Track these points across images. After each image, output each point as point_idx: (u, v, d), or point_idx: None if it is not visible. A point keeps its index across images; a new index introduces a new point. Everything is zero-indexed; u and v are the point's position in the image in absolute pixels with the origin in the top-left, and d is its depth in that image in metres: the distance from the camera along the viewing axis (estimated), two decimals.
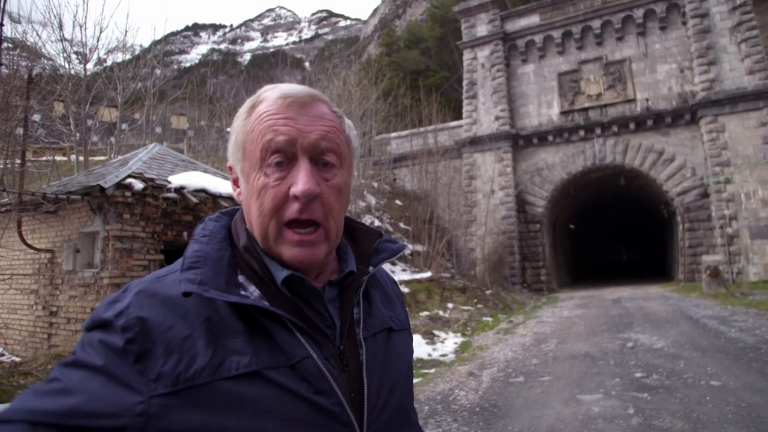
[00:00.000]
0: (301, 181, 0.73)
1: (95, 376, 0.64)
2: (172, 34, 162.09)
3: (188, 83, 19.83)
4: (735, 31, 18.09)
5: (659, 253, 28.00)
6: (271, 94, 0.78)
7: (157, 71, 20.28)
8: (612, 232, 38.46)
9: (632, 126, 19.47)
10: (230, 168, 0.84)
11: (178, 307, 0.69)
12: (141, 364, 0.65)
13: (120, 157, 10.41)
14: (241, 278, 0.75)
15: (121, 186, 6.60)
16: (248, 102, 0.80)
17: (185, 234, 7.28)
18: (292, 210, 0.73)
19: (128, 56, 18.67)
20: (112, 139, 21.07)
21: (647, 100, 19.53)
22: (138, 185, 6.74)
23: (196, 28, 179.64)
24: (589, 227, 31.23)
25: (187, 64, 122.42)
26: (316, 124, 0.77)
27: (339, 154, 0.79)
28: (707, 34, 18.45)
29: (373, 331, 0.83)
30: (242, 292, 0.73)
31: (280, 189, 0.74)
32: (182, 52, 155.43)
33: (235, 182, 0.83)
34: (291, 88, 0.79)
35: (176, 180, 7.26)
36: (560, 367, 6.95)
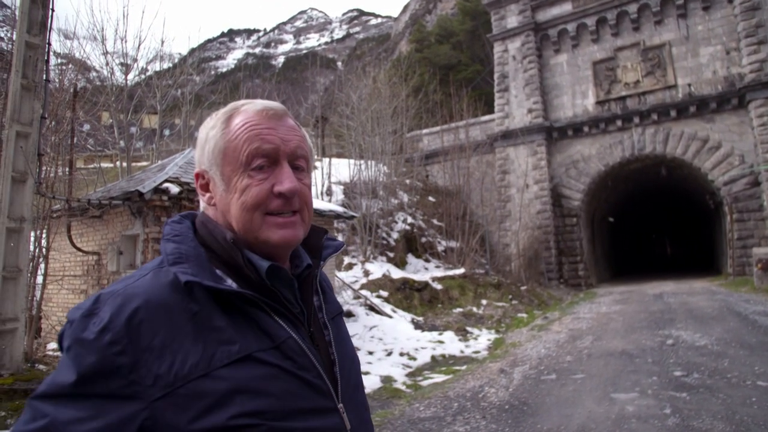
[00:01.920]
0: (286, 180, 0.84)
1: (94, 402, 0.68)
2: (209, 41, 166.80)
3: (223, 88, 20.41)
4: None
5: (705, 245, 26.71)
6: (250, 107, 0.88)
7: (195, 78, 20.96)
8: (654, 224, 36.93)
9: (673, 113, 18.63)
10: (199, 174, 0.90)
11: (162, 307, 0.73)
12: (135, 374, 0.69)
13: (159, 163, 10.86)
14: (218, 272, 0.81)
15: (158, 190, 6.90)
16: (222, 114, 0.89)
17: None
18: (276, 204, 0.84)
19: (166, 65, 19.42)
20: (154, 145, 21.94)
21: (689, 85, 18.63)
22: (174, 189, 7.03)
23: (231, 34, 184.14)
24: (630, 220, 30.12)
25: (224, 70, 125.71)
26: (292, 134, 0.88)
27: (307, 160, 0.91)
28: (756, 12, 17.38)
29: (331, 315, 0.96)
30: (225, 284, 0.80)
31: (263, 187, 0.83)
32: (218, 58, 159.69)
33: (205, 187, 0.89)
34: (269, 102, 0.90)
35: None
36: (595, 364, 6.79)
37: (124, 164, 16.23)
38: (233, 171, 0.84)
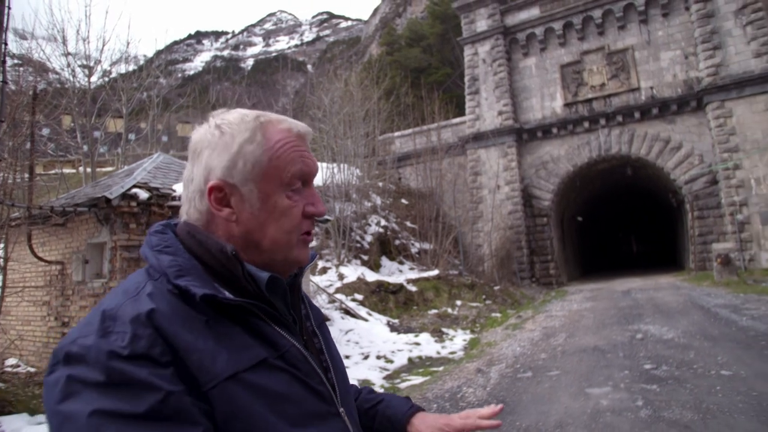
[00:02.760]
0: (319, 203, 0.88)
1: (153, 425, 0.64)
2: (175, 43, 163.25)
3: (191, 91, 19.97)
4: (740, 14, 17.84)
5: (669, 242, 27.72)
6: (285, 125, 0.87)
7: (162, 80, 20.47)
8: (621, 223, 38.12)
9: (637, 115, 19.29)
10: (218, 187, 0.82)
11: (176, 314, 0.72)
12: (180, 370, 0.68)
13: (125, 168, 10.54)
14: (216, 284, 0.79)
15: (126, 196, 6.69)
16: (255, 125, 0.85)
17: None
18: (307, 225, 0.87)
19: (132, 67, 18.88)
20: (119, 150, 21.31)
21: (652, 88, 19.33)
22: (143, 195, 6.83)
23: (198, 36, 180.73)
24: (598, 219, 30.98)
25: (191, 72, 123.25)
26: (312, 156, 0.90)
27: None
28: (711, 19, 18.21)
29: (317, 323, 0.97)
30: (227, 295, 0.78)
31: (299, 209, 0.85)
32: (186, 60, 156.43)
33: (222, 201, 0.82)
34: (299, 123, 0.90)
35: (180, 188, 7.34)
36: (569, 361, 6.93)
37: (88, 170, 15.69)
38: (273, 189, 0.83)
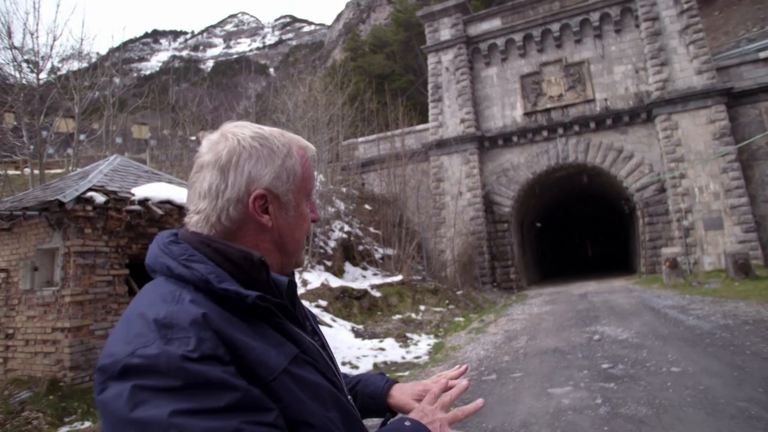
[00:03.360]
0: (316, 211, 1.00)
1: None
2: (131, 41, 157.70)
3: (149, 92, 19.31)
4: (683, 33, 19.01)
5: (622, 247, 28.97)
6: (303, 143, 0.99)
7: (116, 80, 19.70)
8: (577, 228, 39.55)
9: (592, 125, 20.14)
10: (263, 195, 0.89)
11: (222, 316, 0.77)
12: (238, 366, 0.73)
13: (79, 170, 10.06)
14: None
15: (81, 200, 6.39)
16: (295, 144, 0.96)
17: None
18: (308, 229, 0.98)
19: (85, 65, 18.06)
20: (70, 151, 20.33)
21: (606, 100, 20.24)
22: (99, 198, 6.55)
23: (155, 35, 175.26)
24: (555, 225, 32.05)
25: (148, 72, 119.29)
26: None
27: None
28: (659, 37, 19.31)
29: (314, 321, 1.04)
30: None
31: (309, 216, 0.98)
32: (142, 59, 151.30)
33: (263, 208, 0.89)
34: (308, 143, 1.03)
35: (140, 192, 7.09)
36: (531, 362, 7.12)
37: (35, 171, 14.88)
38: (302, 199, 0.95)
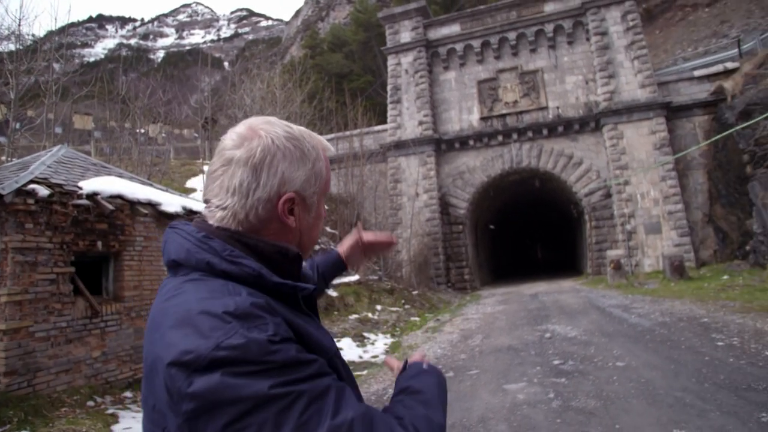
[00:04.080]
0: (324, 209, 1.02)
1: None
2: (73, 24, 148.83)
3: (96, 80, 18.29)
4: (629, 49, 20.14)
5: (571, 249, 30.26)
6: (325, 144, 1.01)
7: (56, 65, 18.52)
8: (529, 230, 40.94)
9: (545, 132, 20.93)
10: (292, 198, 0.90)
11: (279, 306, 0.82)
12: (306, 346, 0.79)
13: (17, 161, 9.41)
14: None
15: (21, 192, 5.98)
16: (322, 147, 0.99)
17: (99, 244, 6.75)
18: None
19: (21, 47, 16.83)
20: (3, 139, 18.95)
21: (558, 108, 21.10)
22: (43, 191, 6.15)
23: (101, 20, 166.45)
24: (508, 227, 33.05)
25: (92, 59, 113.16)
26: None
27: None
28: (607, 50, 20.35)
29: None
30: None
31: (324, 214, 1.02)
32: (85, 45, 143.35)
33: (290, 210, 0.91)
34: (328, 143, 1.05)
35: (88, 185, 6.72)
36: (486, 360, 7.33)
37: None
38: (322, 200, 0.98)
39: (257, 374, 0.69)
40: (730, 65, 19.18)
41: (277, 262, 0.87)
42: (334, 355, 0.86)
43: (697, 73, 20.05)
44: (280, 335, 0.73)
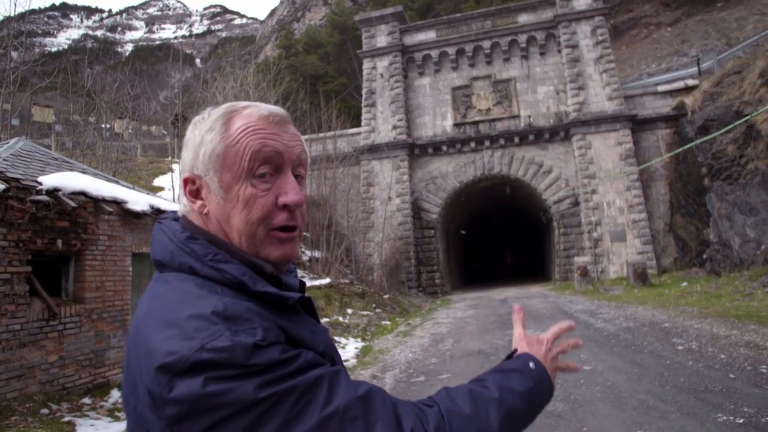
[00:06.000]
0: (292, 191, 0.82)
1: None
2: (34, 12, 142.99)
3: (59, 71, 17.55)
4: (598, 62, 20.79)
5: (539, 255, 30.89)
6: (254, 111, 0.84)
7: (14, 53, 17.72)
8: (499, 236, 41.56)
9: (516, 140, 21.34)
10: (190, 179, 0.84)
11: (264, 312, 0.76)
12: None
13: None
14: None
15: None
16: (219, 116, 0.84)
17: (59, 242, 6.45)
18: (281, 218, 0.82)
19: None
20: None
21: (529, 117, 21.56)
22: None
23: (65, 9, 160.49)
24: (479, 232, 33.48)
25: (54, 49, 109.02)
26: (295, 141, 0.87)
27: (306, 168, 0.90)
28: (577, 63, 20.94)
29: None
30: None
31: (268, 199, 0.81)
32: (47, 34, 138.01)
33: (195, 193, 0.84)
34: (273, 107, 0.87)
35: (49, 181, 6.42)
36: (457, 364, 7.36)
37: None
38: (234, 178, 0.80)
39: (241, 377, 0.65)
40: (690, 82, 20.02)
41: (256, 265, 0.82)
42: (326, 351, 0.82)
43: (660, 88, 20.85)
44: (269, 340, 0.69)
